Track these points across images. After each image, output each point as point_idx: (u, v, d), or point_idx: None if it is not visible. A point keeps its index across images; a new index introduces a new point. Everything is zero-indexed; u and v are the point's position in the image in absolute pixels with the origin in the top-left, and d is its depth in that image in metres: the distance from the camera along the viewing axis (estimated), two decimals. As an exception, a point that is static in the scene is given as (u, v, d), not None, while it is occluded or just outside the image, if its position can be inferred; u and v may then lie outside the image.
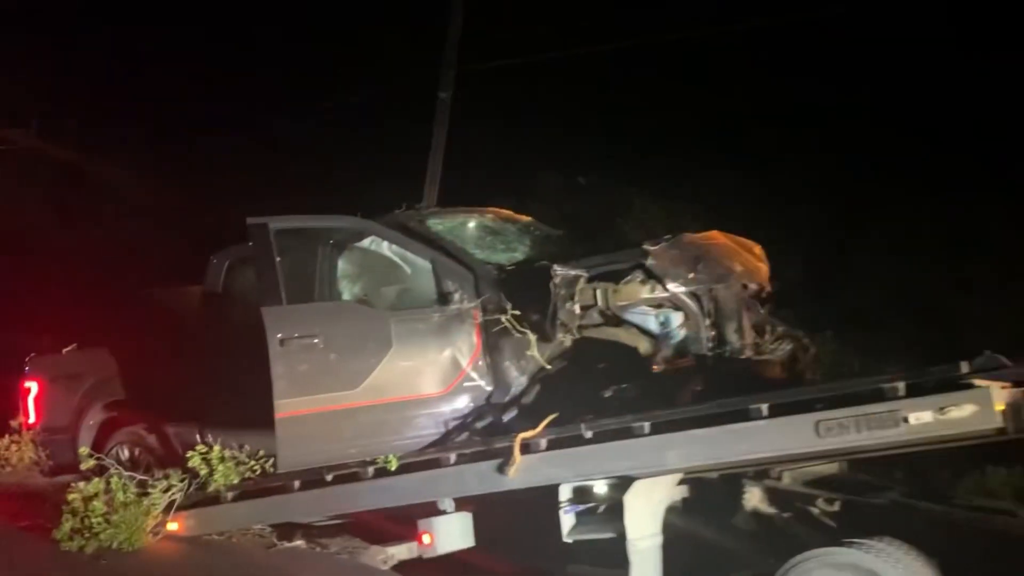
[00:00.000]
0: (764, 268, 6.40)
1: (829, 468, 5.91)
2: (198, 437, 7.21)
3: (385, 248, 6.78)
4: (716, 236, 6.42)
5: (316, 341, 6.00)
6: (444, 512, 6.30)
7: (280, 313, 6.02)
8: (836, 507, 5.43)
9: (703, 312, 5.88)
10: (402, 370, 6.14)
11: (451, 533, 6.25)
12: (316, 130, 14.25)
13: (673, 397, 5.67)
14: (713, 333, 5.89)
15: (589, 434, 5.46)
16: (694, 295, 5.90)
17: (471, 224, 7.05)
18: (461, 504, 6.36)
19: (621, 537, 5.47)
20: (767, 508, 5.57)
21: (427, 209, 7.00)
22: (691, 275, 5.89)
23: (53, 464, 8.12)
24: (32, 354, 8.37)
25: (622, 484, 5.51)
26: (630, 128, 12.72)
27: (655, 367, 5.82)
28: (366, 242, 6.81)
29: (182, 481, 7.01)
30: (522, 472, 5.62)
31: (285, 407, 5.92)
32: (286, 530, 7.26)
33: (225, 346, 7.06)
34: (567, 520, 5.66)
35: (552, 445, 5.60)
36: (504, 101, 14.05)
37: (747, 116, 11.42)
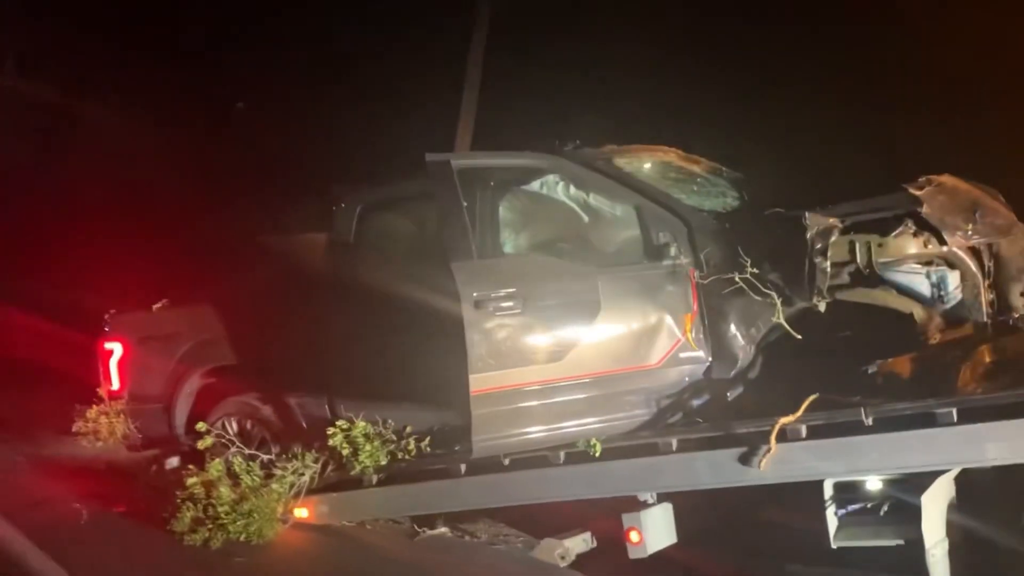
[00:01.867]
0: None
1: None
2: (327, 410, 6.20)
3: (559, 191, 5.75)
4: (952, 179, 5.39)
5: (516, 303, 4.97)
6: (646, 504, 5.34)
7: (474, 269, 4.99)
8: None
9: (984, 271, 4.89)
10: (610, 338, 5.15)
11: (659, 529, 5.31)
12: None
13: (955, 375, 4.69)
14: (992, 296, 4.91)
15: (870, 420, 4.49)
16: (973, 250, 4.91)
17: (649, 165, 5.97)
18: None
19: (907, 544, 4.52)
20: (1070, 506, 4.63)
21: (606, 146, 5.88)
22: (970, 226, 4.89)
23: (143, 438, 7.05)
24: (112, 311, 7.24)
25: (908, 481, 4.56)
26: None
27: (932, 338, 4.82)
28: (535, 185, 5.78)
29: (316, 462, 6.03)
30: (775, 464, 4.66)
31: (481, 382, 4.92)
32: (424, 517, 6.32)
33: (363, 304, 6.01)
34: (833, 522, 4.69)
35: (817, 432, 4.63)
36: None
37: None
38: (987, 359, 4.79)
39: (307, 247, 6.64)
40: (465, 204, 5.09)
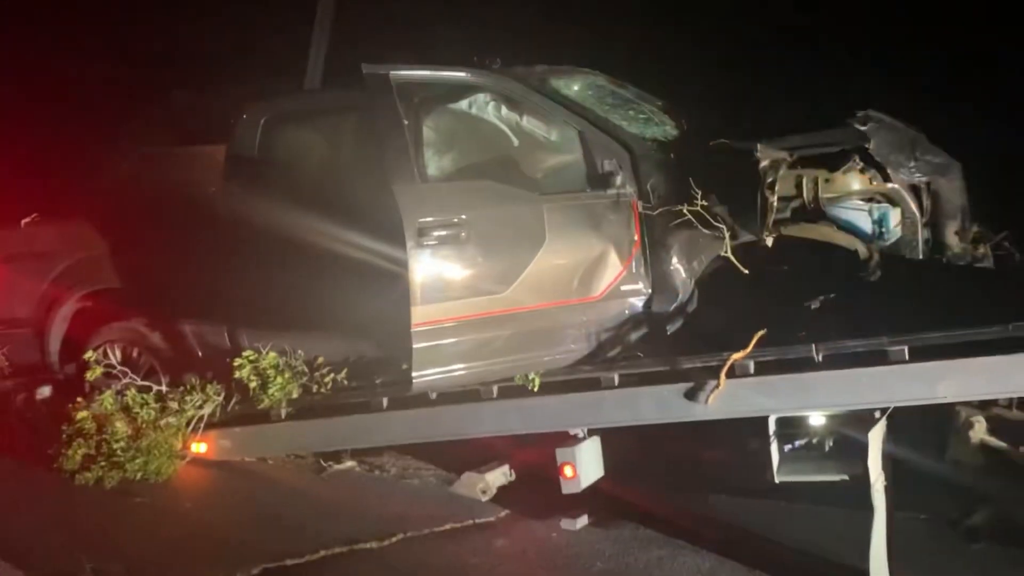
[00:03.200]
0: None
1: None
2: (227, 339, 5.78)
3: (490, 112, 5.44)
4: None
5: (462, 232, 4.69)
6: (577, 439, 5.22)
7: (417, 194, 4.65)
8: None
9: (922, 209, 4.95)
10: (554, 270, 4.94)
11: (591, 463, 5.21)
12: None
13: (898, 312, 4.74)
14: (928, 235, 4.98)
15: (820, 357, 4.49)
16: (913, 188, 4.94)
17: (582, 87, 5.72)
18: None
19: (852, 480, 4.58)
20: (996, 441, 4.79)
21: (537, 66, 5.58)
22: (912, 164, 4.91)
23: (10, 364, 6.43)
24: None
25: (854, 417, 4.59)
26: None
27: (872, 275, 4.85)
28: (463, 104, 5.44)
29: (219, 394, 5.62)
30: (723, 400, 4.61)
31: (424, 314, 4.63)
32: (330, 452, 6.04)
33: (270, 227, 5.57)
34: (778, 457, 4.69)
35: (766, 369, 4.60)
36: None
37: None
38: (927, 295, 4.86)
39: (201, 161, 6.11)
40: (406, 122, 4.72)
